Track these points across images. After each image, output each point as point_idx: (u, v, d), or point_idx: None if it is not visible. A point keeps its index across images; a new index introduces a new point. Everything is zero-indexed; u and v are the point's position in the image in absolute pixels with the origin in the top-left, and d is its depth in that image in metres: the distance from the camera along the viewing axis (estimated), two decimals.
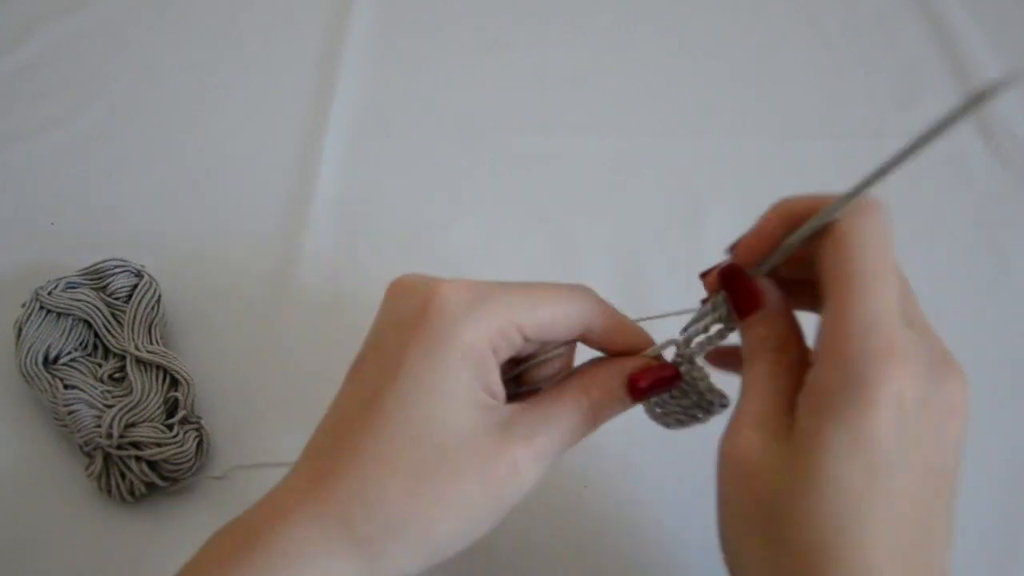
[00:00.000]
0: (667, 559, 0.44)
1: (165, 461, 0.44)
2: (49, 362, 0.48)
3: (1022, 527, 0.45)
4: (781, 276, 0.33)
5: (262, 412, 0.49)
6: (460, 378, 0.29)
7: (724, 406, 0.33)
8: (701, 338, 0.33)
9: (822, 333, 0.29)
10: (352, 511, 0.28)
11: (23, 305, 0.50)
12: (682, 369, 0.33)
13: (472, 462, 0.29)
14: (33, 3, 0.74)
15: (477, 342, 0.29)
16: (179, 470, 0.44)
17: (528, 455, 0.30)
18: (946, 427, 0.28)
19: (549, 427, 0.31)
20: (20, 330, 0.48)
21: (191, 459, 0.45)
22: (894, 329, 0.27)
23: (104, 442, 0.44)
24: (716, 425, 0.46)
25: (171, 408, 0.46)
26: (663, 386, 0.33)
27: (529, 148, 0.64)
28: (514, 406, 0.31)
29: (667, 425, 0.36)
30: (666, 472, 0.47)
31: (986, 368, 0.51)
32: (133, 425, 0.45)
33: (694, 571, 0.44)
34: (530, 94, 0.68)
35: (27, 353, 0.47)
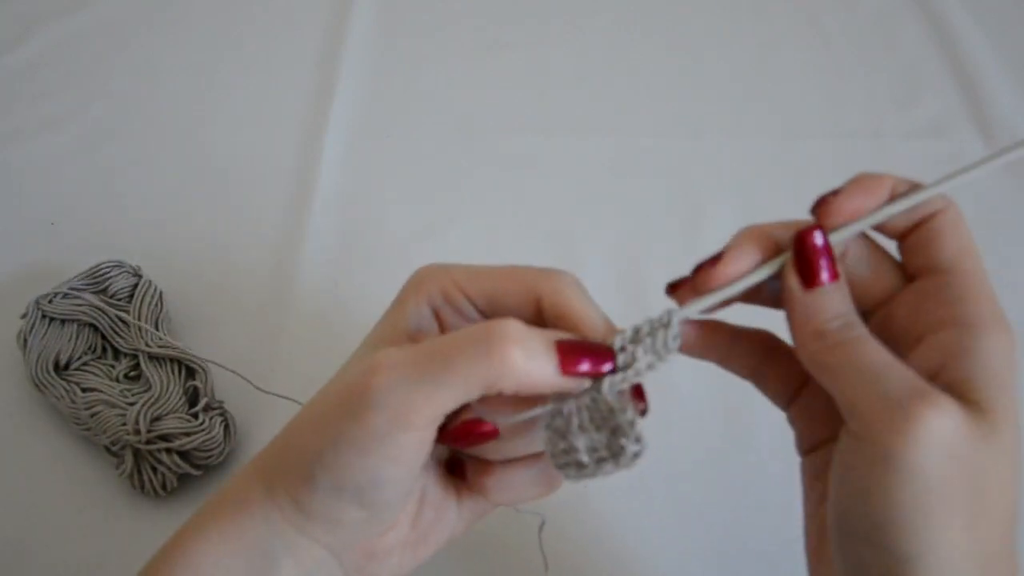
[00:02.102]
0: (667, 559, 0.44)
1: (196, 449, 0.44)
2: (60, 368, 0.48)
3: (1022, 528, 0.45)
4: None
5: (264, 409, 0.49)
6: (399, 333, 0.31)
7: (637, 455, 0.28)
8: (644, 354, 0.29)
9: (935, 318, 0.28)
10: (267, 451, 0.31)
11: (23, 316, 0.49)
12: (605, 383, 0.29)
13: (340, 381, 0.30)
14: (33, 3, 0.74)
15: (413, 300, 0.31)
16: (210, 456, 0.45)
17: (383, 362, 0.27)
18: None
19: (428, 345, 0.28)
20: (25, 341, 0.48)
21: (220, 444, 0.45)
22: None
23: (132, 439, 0.44)
24: (715, 429, 0.46)
25: (191, 398, 0.47)
26: (591, 358, 0.29)
27: (529, 148, 0.64)
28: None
29: (567, 470, 0.29)
30: (666, 478, 0.47)
31: None
32: (158, 419, 0.45)
33: (694, 571, 0.44)
34: (530, 94, 0.68)
35: (36, 362, 0.48)
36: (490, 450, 0.31)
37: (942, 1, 0.74)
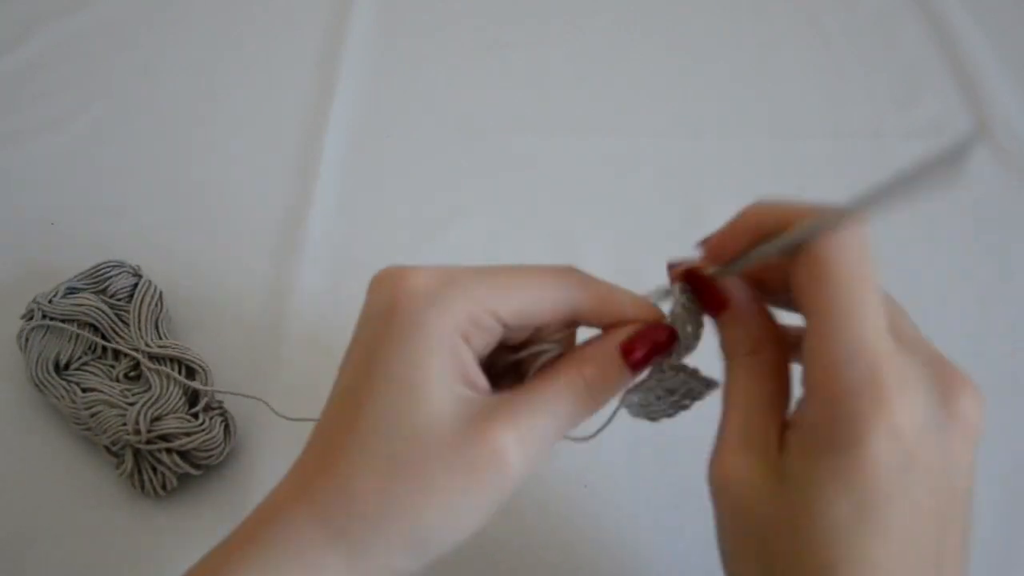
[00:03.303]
0: (667, 559, 0.44)
1: (196, 450, 0.44)
2: (61, 369, 0.48)
3: (1022, 528, 0.45)
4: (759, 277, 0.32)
5: (264, 409, 0.49)
6: (430, 368, 0.28)
7: (713, 388, 0.32)
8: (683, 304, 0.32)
9: (806, 366, 0.27)
10: (331, 506, 0.28)
11: (23, 317, 0.50)
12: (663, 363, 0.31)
13: (448, 450, 0.27)
14: (33, 3, 0.74)
15: (442, 330, 0.28)
16: (210, 456, 0.45)
17: (511, 439, 0.28)
18: (960, 451, 0.27)
19: (537, 410, 0.29)
20: (26, 341, 0.48)
21: (220, 444, 0.45)
22: (881, 358, 0.26)
23: (133, 439, 0.44)
24: (716, 425, 0.46)
25: (191, 398, 0.47)
26: (659, 351, 0.31)
27: (529, 148, 0.64)
28: (501, 394, 0.29)
29: (651, 417, 0.34)
30: (666, 472, 0.47)
31: (986, 368, 0.51)
32: (159, 419, 0.45)
33: (693, 571, 0.44)
34: (530, 94, 0.68)
35: (36, 362, 0.48)
36: None
37: (942, 1, 0.74)
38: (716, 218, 0.58)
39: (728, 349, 0.31)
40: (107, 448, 0.45)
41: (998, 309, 0.54)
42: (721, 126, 0.66)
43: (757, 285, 0.32)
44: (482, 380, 0.30)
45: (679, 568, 0.44)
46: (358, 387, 0.29)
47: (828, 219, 0.26)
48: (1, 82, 0.68)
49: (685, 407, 0.33)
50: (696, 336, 0.32)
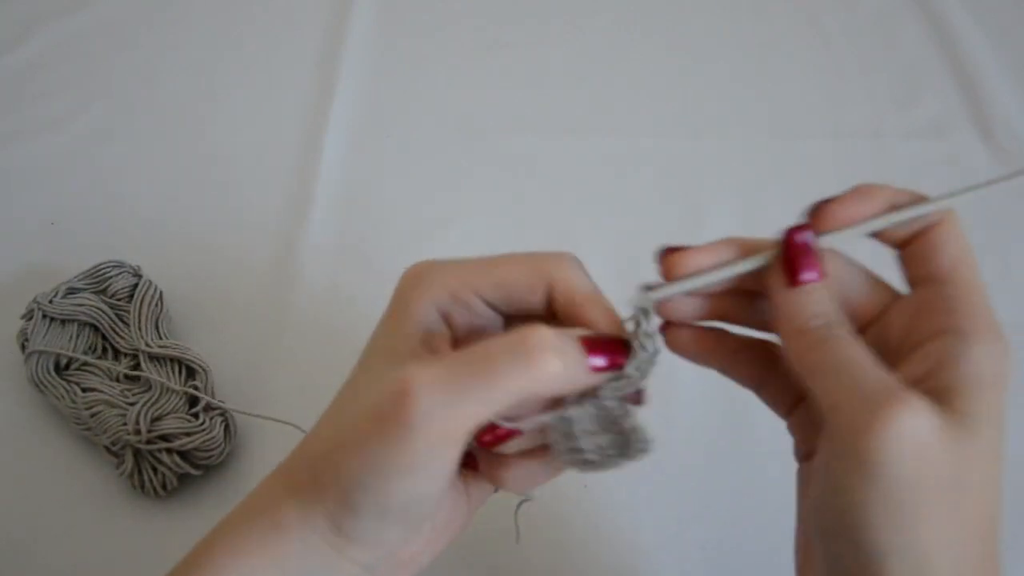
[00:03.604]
0: (666, 560, 0.44)
1: (196, 449, 0.45)
2: (61, 369, 0.48)
3: (1023, 528, 0.45)
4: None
5: (266, 406, 0.49)
6: (405, 340, 0.30)
7: (644, 451, 0.30)
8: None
9: (914, 329, 0.29)
10: (295, 462, 0.31)
11: (23, 317, 0.49)
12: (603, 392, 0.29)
13: (370, 403, 0.28)
14: (33, 3, 0.74)
15: (420, 306, 0.30)
16: (210, 457, 0.45)
17: (416, 386, 0.26)
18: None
19: (462, 360, 0.27)
20: (25, 341, 0.48)
21: (220, 445, 0.45)
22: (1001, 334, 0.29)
23: (133, 439, 0.44)
24: (715, 426, 0.46)
25: (192, 398, 0.47)
26: (610, 353, 0.29)
27: (529, 148, 0.64)
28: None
29: (574, 463, 0.30)
30: (665, 474, 0.47)
31: None
32: (159, 419, 0.45)
33: (693, 570, 0.44)
34: (530, 94, 0.68)
35: (37, 362, 0.48)
36: (508, 446, 0.31)
37: (942, 1, 0.74)
38: (716, 218, 0.59)
39: (815, 320, 0.29)
40: (107, 448, 0.45)
41: (998, 309, 0.54)
42: (721, 126, 0.66)
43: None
44: (445, 342, 0.31)
45: (679, 568, 0.44)
46: (354, 369, 0.31)
47: (937, 206, 0.29)
48: (1, 82, 0.68)
49: (611, 462, 0.30)
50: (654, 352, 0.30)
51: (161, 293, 0.51)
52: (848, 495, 0.27)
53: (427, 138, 0.65)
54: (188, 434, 0.45)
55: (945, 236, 0.30)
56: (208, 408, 0.46)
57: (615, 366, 0.29)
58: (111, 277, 0.51)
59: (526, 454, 0.32)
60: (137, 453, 0.45)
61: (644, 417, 0.30)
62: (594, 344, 0.29)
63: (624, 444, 0.30)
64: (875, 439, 0.26)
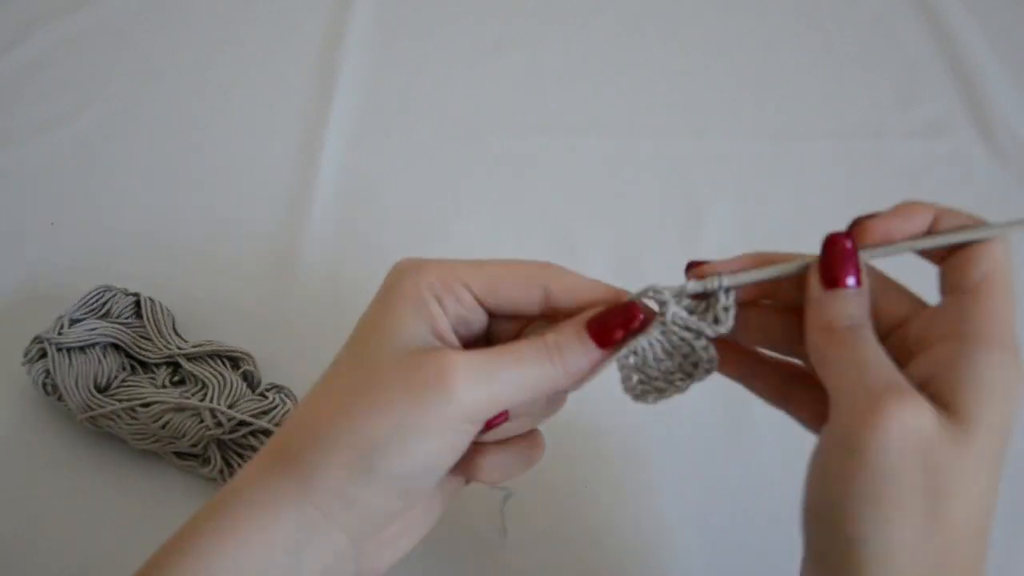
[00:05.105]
0: (667, 558, 0.44)
1: (278, 425, 0.45)
2: (102, 391, 0.47)
3: (1022, 529, 0.45)
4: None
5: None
6: (403, 316, 0.31)
7: (709, 370, 0.32)
8: (676, 297, 0.32)
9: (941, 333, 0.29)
10: (290, 437, 0.31)
11: (29, 359, 0.48)
12: (666, 317, 0.32)
13: (399, 372, 0.30)
14: (33, 3, 0.74)
15: (414, 288, 0.31)
16: None
17: (459, 362, 0.29)
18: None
19: (495, 353, 0.31)
20: (47, 381, 0.47)
21: None
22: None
23: (216, 432, 0.44)
24: (715, 423, 0.46)
25: (248, 384, 0.48)
26: (625, 323, 0.32)
27: (529, 148, 0.64)
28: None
29: (645, 398, 0.34)
30: (665, 472, 0.47)
31: None
32: (231, 407, 0.45)
33: (693, 570, 0.44)
34: (530, 94, 0.68)
35: (77, 390, 0.46)
36: (490, 434, 0.33)
37: (942, 1, 0.74)
38: (716, 218, 0.59)
39: (846, 322, 0.30)
40: (179, 455, 0.45)
41: None
42: (721, 126, 0.66)
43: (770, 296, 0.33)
44: (453, 339, 0.32)
45: (679, 567, 0.44)
46: (341, 351, 0.32)
47: (978, 235, 0.30)
48: (1, 82, 0.68)
49: (678, 386, 0.33)
50: (692, 328, 0.32)
51: (162, 304, 0.51)
52: (835, 480, 0.28)
53: (427, 138, 0.65)
54: (266, 412, 0.45)
55: (984, 254, 0.30)
56: (273, 387, 0.47)
57: (628, 330, 0.31)
58: (108, 301, 0.50)
59: (502, 443, 0.34)
60: (221, 445, 0.45)
61: (651, 410, 0.33)
62: (600, 323, 0.31)
63: (691, 366, 0.32)
64: (869, 429, 0.27)
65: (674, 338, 0.32)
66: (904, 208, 0.31)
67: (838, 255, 0.30)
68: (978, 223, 0.30)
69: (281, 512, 0.29)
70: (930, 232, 0.30)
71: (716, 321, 0.32)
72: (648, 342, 0.32)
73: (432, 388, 0.29)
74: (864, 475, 0.27)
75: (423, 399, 0.29)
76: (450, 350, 0.30)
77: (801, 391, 0.33)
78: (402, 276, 0.32)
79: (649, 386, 0.33)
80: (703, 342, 0.32)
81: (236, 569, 0.29)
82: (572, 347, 0.31)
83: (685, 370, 0.33)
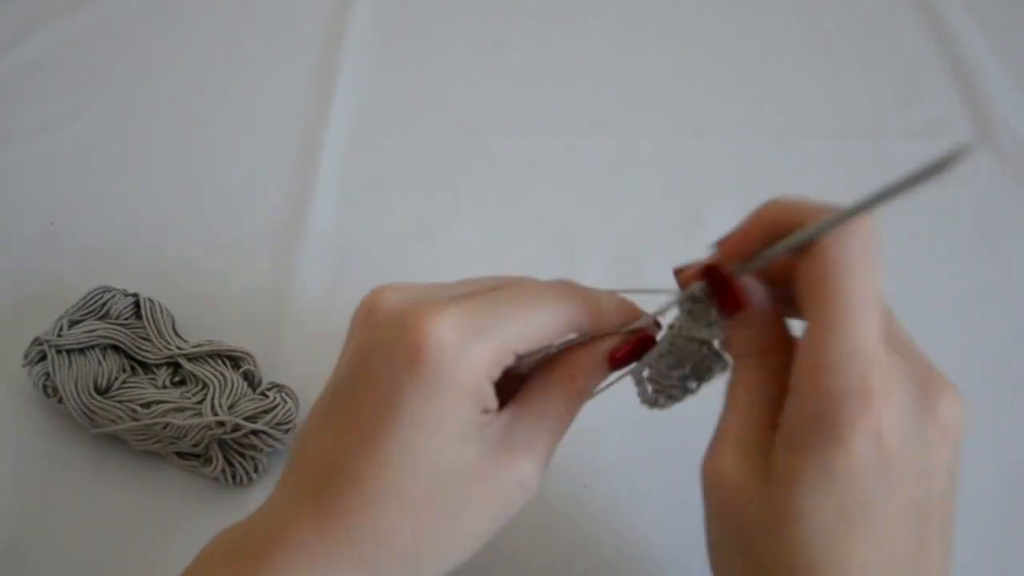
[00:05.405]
0: (666, 558, 0.44)
1: (280, 423, 0.45)
2: (102, 393, 0.47)
3: (1022, 529, 0.45)
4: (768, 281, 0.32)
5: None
6: (461, 412, 0.28)
7: (724, 369, 0.32)
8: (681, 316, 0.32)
9: (799, 361, 0.27)
10: (366, 547, 0.28)
11: (29, 361, 0.48)
12: (674, 328, 0.32)
13: (480, 487, 0.29)
14: (33, 3, 0.74)
15: (476, 379, 0.28)
16: (289, 430, 0.46)
17: (534, 465, 0.30)
18: (937, 452, 0.27)
19: (545, 428, 0.31)
20: (47, 384, 0.47)
21: (294, 416, 0.46)
22: (871, 364, 0.26)
23: (217, 432, 0.44)
24: (714, 424, 0.46)
25: (249, 383, 0.48)
26: (640, 349, 0.33)
27: (529, 148, 0.64)
28: (507, 413, 0.31)
29: (660, 404, 0.34)
30: (666, 471, 0.47)
31: (986, 369, 0.51)
32: (233, 406, 0.45)
33: (693, 570, 0.44)
34: (530, 94, 0.68)
35: (77, 393, 0.46)
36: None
37: (942, 1, 0.74)
38: (716, 218, 0.59)
39: (737, 349, 0.31)
40: (181, 455, 0.45)
41: (998, 309, 0.54)
42: (721, 126, 0.66)
43: (767, 280, 0.32)
44: (494, 402, 0.30)
45: (679, 568, 0.44)
46: (379, 429, 0.28)
47: (838, 218, 0.26)
48: (1, 82, 0.68)
49: (692, 389, 0.33)
50: (699, 333, 0.32)
51: (161, 304, 0.51)
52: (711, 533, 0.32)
53: (427, 138, 0.65)
54: (267, 411, 0.45)
55: (805, 270, 0.28)
56: (274, 386, 0.47)
57: (637, 354, 0.33)
58: (107, 301, 0.50)
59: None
60: (223, 445, 0.45)
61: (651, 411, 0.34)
62: (620, 357, 0.33)
63: (704, 366, 0.33)
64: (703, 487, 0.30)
65: (683, 347, 0.32)
66: (753, 217, 0.30)
67: (718, 285, 0.30)
68: (820, 213, 0.27)
69: (311, 559, 0.28)
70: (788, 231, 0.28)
71: (715, 322, 0.32)
72: (659, 354, 0.33)
73: (517, 498, 0.30)
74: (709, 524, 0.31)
75: (507, 507, 0.30)
76: (521, 454, 0.30)
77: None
78: (455, 367, 0.28)
79: (664, 394, 0.34)
80: (714, 346, 0.32)
81: None
82: (598, 383, 0.33)
83: (699, 375, 0.33)
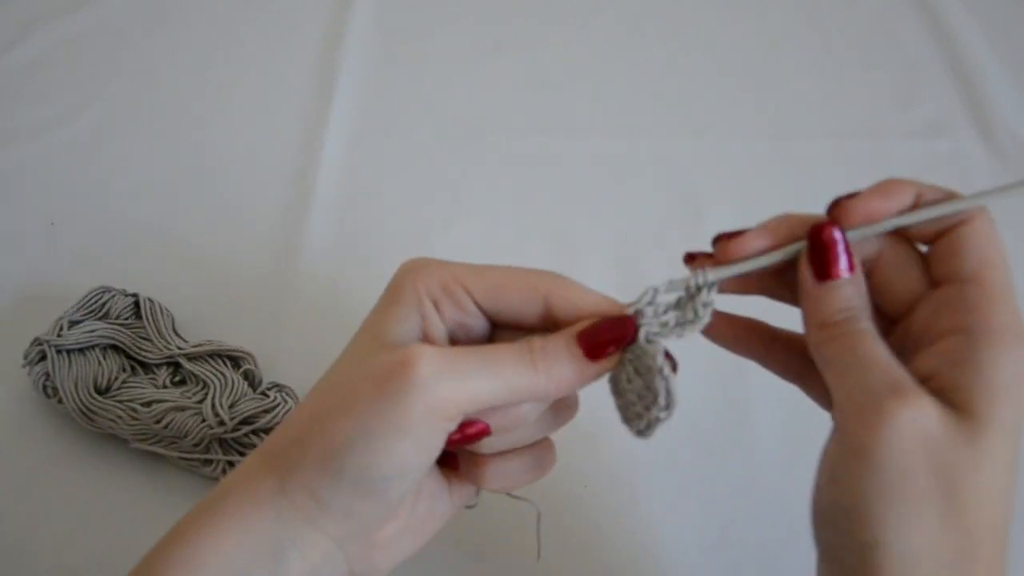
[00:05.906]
0: (666, 558, 0.44)
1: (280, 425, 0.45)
2: (102, 393, 0.47)
3: (1022, 528, 0.45)
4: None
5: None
6: (394, 317, 0.31)
7: (668, 407, 0.30)
8: (668, 310, 0.31)
9: (966, 316, 0.28)
10: (274, 437, 0.31)
11: (29, 362, 0.48)
12: (641, 332, 0.30)
13: (368, 368, 0.29)
14: (33, 3, 0.74)
15: (412, 290, 0.31)
16: None
17: (425, 353, 0.28)
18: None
19: (470, 351, 0.29)
20: (47, 384, 0.47)
21: None
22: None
23: (218, 431, 0.44)
24: (715, 423, 0.46)
25: (249, 383, 0.48)
26: (618, 337, 0.30)
27: (529, 148, 0.64)
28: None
29: (632, 416, 0.31)
30: (665, 472, 0.47)
31: None
32: (233, 406, 0.45)
33: (693, 570, 0.44)
34: (530, 95, 0.68)
35: (77, 392, 0.46)
36: (484, 446, 0.32)
37: (942, 1, 0.74)
38: (716, 218, 0.59)
39: (840, 314, 0.29)
40: (182, 457, 0.45)
41: None
42: (721, 126, 0.66)
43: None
44: (443, 343, 0.31)
45: (679, 567, 0.44)
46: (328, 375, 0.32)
47: (966, 205, 0.29)
48: (1, 82, 0.68)
49: (648, 414, 0.30)
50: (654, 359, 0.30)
51: (161, 304, 0.51)
52: (844, 484, 0.27)
53: (427, 138, 0.65)
54: (267, 411, 0.45)
55: (974, 234, 0.29)
56: (275, 386, 0.47)
57: (621, 343, 0.30)
58: (107, 301, 0.50)
59: (504, 453, 0.33)
60: (224, 444, 0.45)
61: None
62: (593, 335, 0.30)
63: (652, 387, 0.30)
64: (875, 432, 0.26)
65: (642, 358, 0.30)
66: (885, 185, 0.30)
67: (826, 245, 0.29)
68: (956, 196, 0.30)
69: (264, 511, 0.29)
70: (913, 208, 0.30)
71: (695, 317, 0.30)
72: (625, 361, 0.30)
73: (395, 379, 0.28)
74: (873, 479, 0.26)
75: (387, 392, 0.28)
76: (419, 343, 0.29)
77: (814, 369, 0.32)
78: (403, 277, 0.31)
79: (630, 411, 0.31)
80: (664, 374, 0.29)
81: (223, 565, 0.29)
82: (559, 355, 0.30)
83: (645, 400, 0.30)
